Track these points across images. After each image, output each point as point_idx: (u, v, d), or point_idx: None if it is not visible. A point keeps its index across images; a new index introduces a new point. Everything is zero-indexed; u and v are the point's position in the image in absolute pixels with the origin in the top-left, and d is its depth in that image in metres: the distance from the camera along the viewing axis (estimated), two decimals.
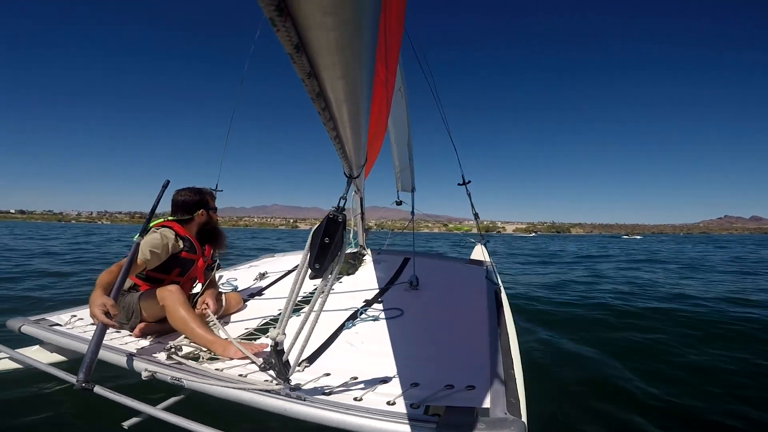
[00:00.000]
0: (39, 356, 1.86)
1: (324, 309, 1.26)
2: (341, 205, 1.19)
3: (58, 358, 1.92)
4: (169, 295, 1.88)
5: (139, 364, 1.55)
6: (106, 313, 1.55)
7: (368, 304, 2.44)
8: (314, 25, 0.43)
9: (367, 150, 1.35)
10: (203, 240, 2.27)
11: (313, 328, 1.28)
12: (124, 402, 1.32)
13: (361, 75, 0.60)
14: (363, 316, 2.20)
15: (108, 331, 1.98)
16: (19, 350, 1.87)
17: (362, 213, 4.12)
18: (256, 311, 2.43)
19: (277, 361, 1.26)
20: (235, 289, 2.93)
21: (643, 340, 3.11)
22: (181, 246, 2.12)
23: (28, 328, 1.95)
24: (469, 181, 3.47)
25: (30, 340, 1.98)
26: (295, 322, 1.83)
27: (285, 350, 1.26)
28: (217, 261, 2.48)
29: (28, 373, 1.80)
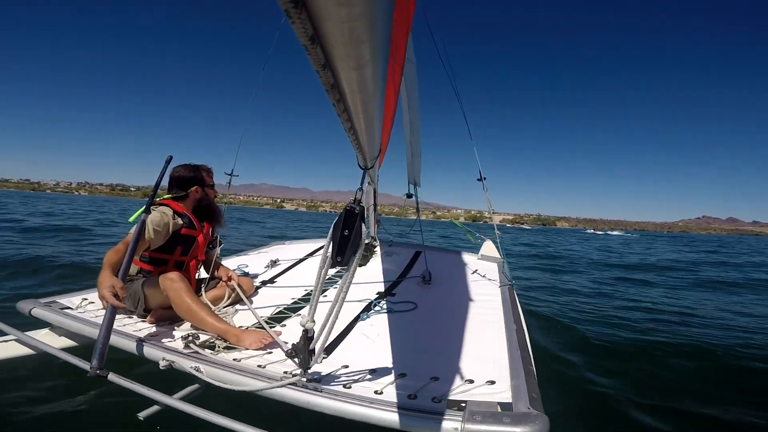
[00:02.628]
0: (48, 340, 1.82)
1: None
2: (357, 196, 1.20)
3: (68, 342, 1.87)
4: (171, 284, 1.83)
5: (155, 353, 1.52)
6: (116, 296, 1.50)
7: (381, 296, 2.44)
8: (329, 16, 0.43)
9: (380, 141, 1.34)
10: (200, 217, 2.26)
11: (336, 319, 1.28)
12: (139, 390, 1.29)
13: (375, 67, 0.59)
14: (377, 308, 2.20)
15: (120, 316, 1.95)
16: (29, 333, 1.83)
17: (375, 204, 4.12)
18: (268, 299, 2.45)
19: (304, 348, 1.27)
20: (246, 275, 2.94)
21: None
22: (181, 223, 2.10)
23: (38, 311, 1.90)
24: (485, 178, 3.35)
25: (40, 324, 1.94)
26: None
27: (314, 337, 1.28)
28: (218, 237, 2.48)
29: (39, 357, 1.75)
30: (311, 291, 2.52)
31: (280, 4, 0.42)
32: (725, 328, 3.65)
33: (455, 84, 3.23)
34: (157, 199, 2.14)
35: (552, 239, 27.11)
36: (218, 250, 2.47)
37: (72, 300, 2.13)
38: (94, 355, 1.36)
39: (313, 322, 1.25)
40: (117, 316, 1.93)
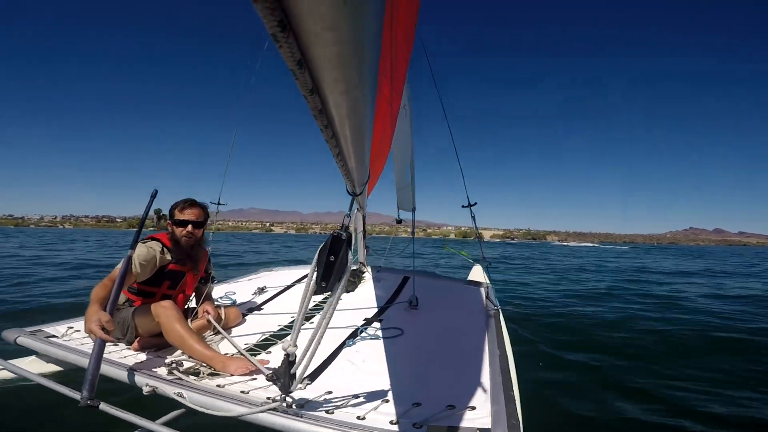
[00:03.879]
0: (34, 368, 1.82)
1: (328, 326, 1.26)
2: (345, 223, 1.20)
3: (54, 369, 1.88)
4: (164, 311, 1.86)
5: (139, 379, 1.54)
6: (103, 329, 1.53)
7: (368, 322, 2.43)
8: (316, 41, 0.43)
9: (370, 167, 1.36)
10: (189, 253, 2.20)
11: (318, 344, 1.27)
12: (129, 419, 1.29)
13: (364, 91, 0.59)
14: (363, 334, 2.20)
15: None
16: (13, 361, 1.81)
17: (364, 230, 4.11)
18: (255, 326, 2.42)
19: (285, 373, 1.26)
20: (233, 303, 2.91)
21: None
22: (169, 258, 2.10)
23: (24, 340, 1.92)
24: (475, 203, 3.32)
25: (25, 352, 1.95)
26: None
27: (296, 362, 1.27)
28: (211, 273, 2.47)
29: (23, 385, 1.73)
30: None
31: (267, 29, 0.41)
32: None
33: (447, 116, 3.25)
34: (156, 233, 2.17)
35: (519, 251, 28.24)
36: (211, 285, 2.47)
37: (57, 328, 2.13)
38: (85, 386, 1.37)
39: (296, 346, 1.25)
40: None
